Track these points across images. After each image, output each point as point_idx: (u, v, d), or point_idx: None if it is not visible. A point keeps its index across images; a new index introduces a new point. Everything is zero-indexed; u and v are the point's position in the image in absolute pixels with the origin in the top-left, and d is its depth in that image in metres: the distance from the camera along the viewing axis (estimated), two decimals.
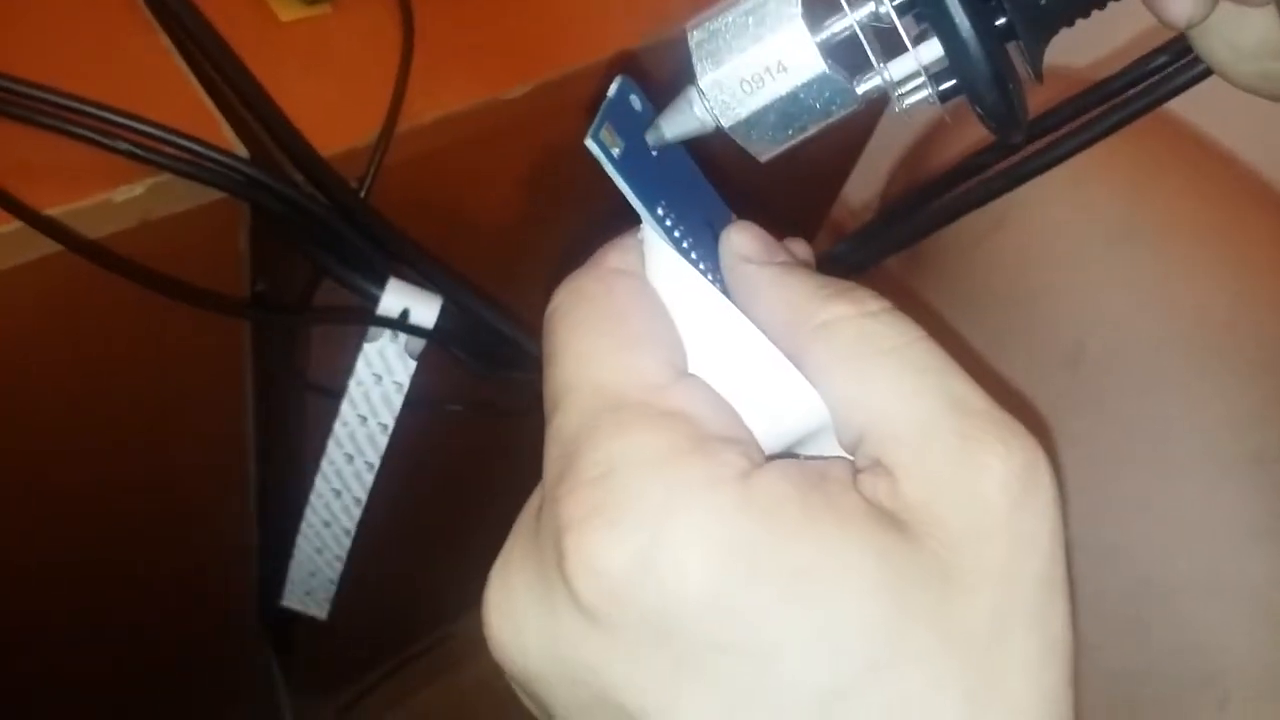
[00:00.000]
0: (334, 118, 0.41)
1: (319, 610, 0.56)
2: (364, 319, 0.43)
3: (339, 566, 0.52)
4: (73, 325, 0.41)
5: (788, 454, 0.23)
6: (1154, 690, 0.45)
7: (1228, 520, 0.44)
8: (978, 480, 0.20)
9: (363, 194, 0.42)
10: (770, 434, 0.23)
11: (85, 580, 0.55)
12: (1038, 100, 0.33)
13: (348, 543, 0.51)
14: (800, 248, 0.26)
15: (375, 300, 0.42)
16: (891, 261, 0.57)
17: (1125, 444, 0.46)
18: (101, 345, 0.43)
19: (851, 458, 0.22)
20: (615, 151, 0.23)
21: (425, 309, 0.43)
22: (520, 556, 0.22)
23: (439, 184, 0.47)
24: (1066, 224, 0.49)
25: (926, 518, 0.20)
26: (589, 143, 0.23)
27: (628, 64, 0.48)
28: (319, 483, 0.48)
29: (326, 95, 0.42)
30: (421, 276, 0.43)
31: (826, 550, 0.19)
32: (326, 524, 0.50)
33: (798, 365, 0.22)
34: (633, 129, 0.24)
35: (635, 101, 0.24)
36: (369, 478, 0.48)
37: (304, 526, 0.51)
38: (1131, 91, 0.32)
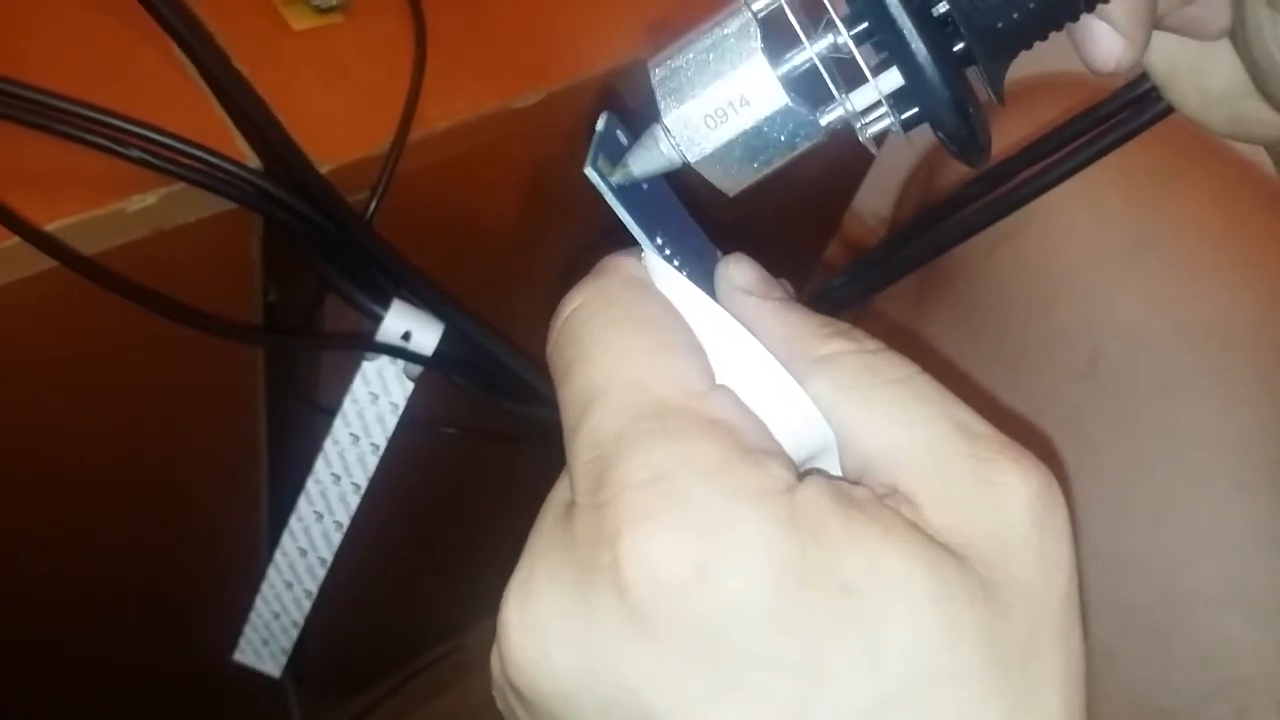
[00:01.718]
0: (347, 126, 0.42)
1: (273, 666, 0.54)
2: (365, 345, 0.43)
3: (306, 606, 0.50)
4: (79, 336, 0.41)
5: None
6: (1173, 700, 0.45)
7: (1246, 530, 0.44)
8: (1001, 500, 0.20)
9: (375, 202, 0.42)
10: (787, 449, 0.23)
11: (93, 589, 0.55)
12: (1077, 100, 0.33)
13: (322, 574, 0.49)
14: (786, 287, 0.26)
15: (379, 319, 0.42)
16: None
17: (1144, 452, 0.46)
18: (108, 358, 0.43)
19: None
20: (613, 181, 0.23)
21: (427, 333, 0.43)
22: (548, 567, 0.21)
23: (450, 191, 0.47)
24: (1082, 231, 0.48)
25: (957, 539, 0.20)
26: (588, 171, 0.23)
27: (637, 72, 0.48)
28: (301, 503, 0.47)
29: (339, 104, 0.42)
30: (424, 304, 0.43)
31: (875, 563, 0.19)
32: (303, 552, 0.49)
33: (805, 384, 0.22)
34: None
35: (620, 136, 0.24)
36: (354, 500, 0.47)
37: (278, 555, 0.49)
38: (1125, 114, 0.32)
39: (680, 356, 0.22)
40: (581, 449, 0.21)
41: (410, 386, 0.44)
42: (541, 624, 0.20)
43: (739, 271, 0.24)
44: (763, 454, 0.21)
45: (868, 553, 0.19)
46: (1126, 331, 0.47)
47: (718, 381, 0.23)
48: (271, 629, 0.52)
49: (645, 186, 0.24)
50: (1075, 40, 0.24)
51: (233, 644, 0.58)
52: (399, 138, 0.41)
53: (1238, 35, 0.24)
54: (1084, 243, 0.49)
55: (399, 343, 0.42)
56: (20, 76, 0.36)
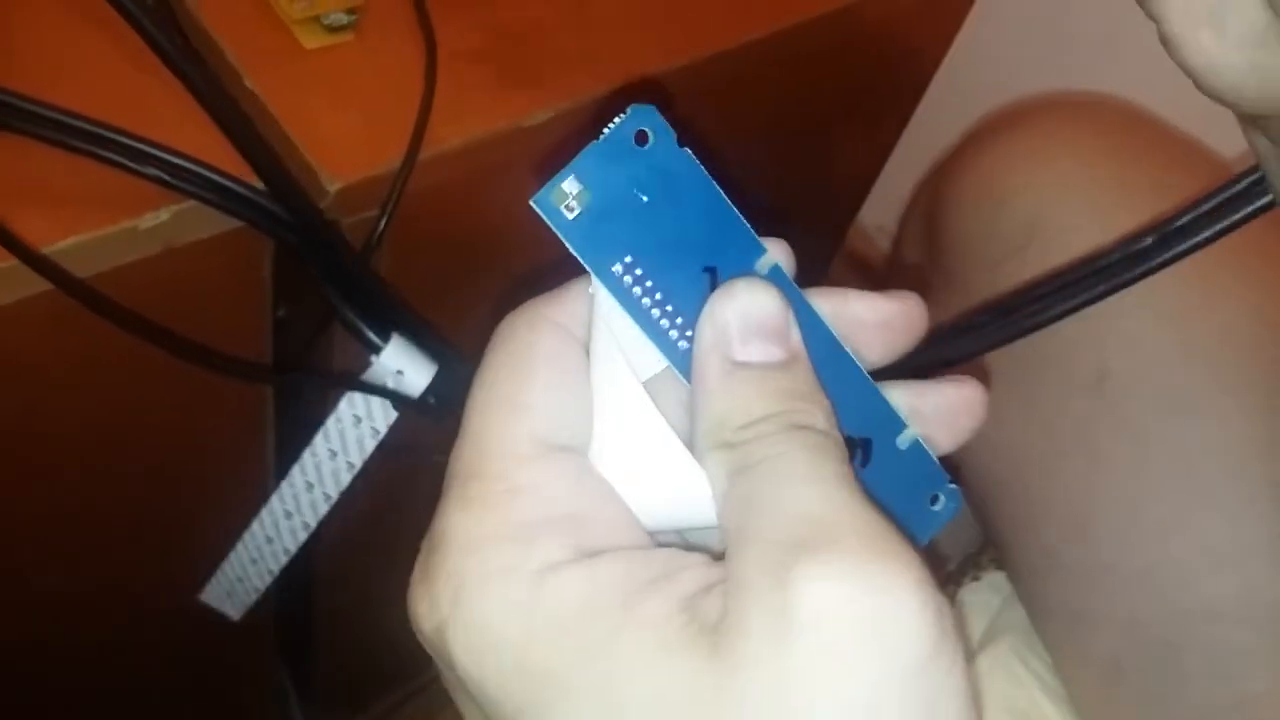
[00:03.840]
0: (358, 144, 0.42)
1: (234, 612, 0.56)
2: (349, 384, 0.43)
3: (268, 579, 0.53)
4: (82, 357, 0.42)
5: (675, 539, 0.24)
6: (1186, 714, 0.45)
7: (1256, 543, 0.44)
8: (793, 596, 0.19)
9: (385, 219, 0.42)
10: (660, 519, 0.23)
11: (98, 594, 0.55)
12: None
13: (284, 560, 0.51)
14: (778, 248, 0.25)
15: (378, 350, 0.43)
16: (912, 282, 0.57)
17: (1152, 466, 0.46)
18: (113, 378, 0.43)
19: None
20: (573, 208, 0.22)
21: (419, 373, 0.43)
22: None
23: (461, 209, 0.47)
24: (1088, 244, 0.49)
25: (733, 631, 0.19)
26: (533, 204, 0.22)
27: (650, 89, 0.48)
28: (274, 500, 0.48)
29: (350, 123, 0.42)
30: (419, 344, 0.44)
31: (588, 669, 0.19)
32: (269, 540, 0.50)
33: (701, 464, 0.22)
34: (624, 170, 0.22)
35: (650, 133, 0.22)
36: (324, 508, 0.48)
37: (246, 536, 0.51)
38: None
39: (526, 418, 0.23)
40: (445, 476, 0.23)
41: (394, 415, 0.45)
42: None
43: (708, 327, 0.23)
44: (544, 527, 0.21)
45: (586, 657, 0.20)
46: (1133, 345, 0.47)
47: (604, 434, 0.23)
48: (234, 587, 0.55)
49: (645, 198, 0.23)
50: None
51: (237, 651, 0.59)
52: (410, 155, 0.42)
53: None
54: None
55: (393, 376, 0.43)
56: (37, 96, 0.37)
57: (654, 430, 0.23)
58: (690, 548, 0.23)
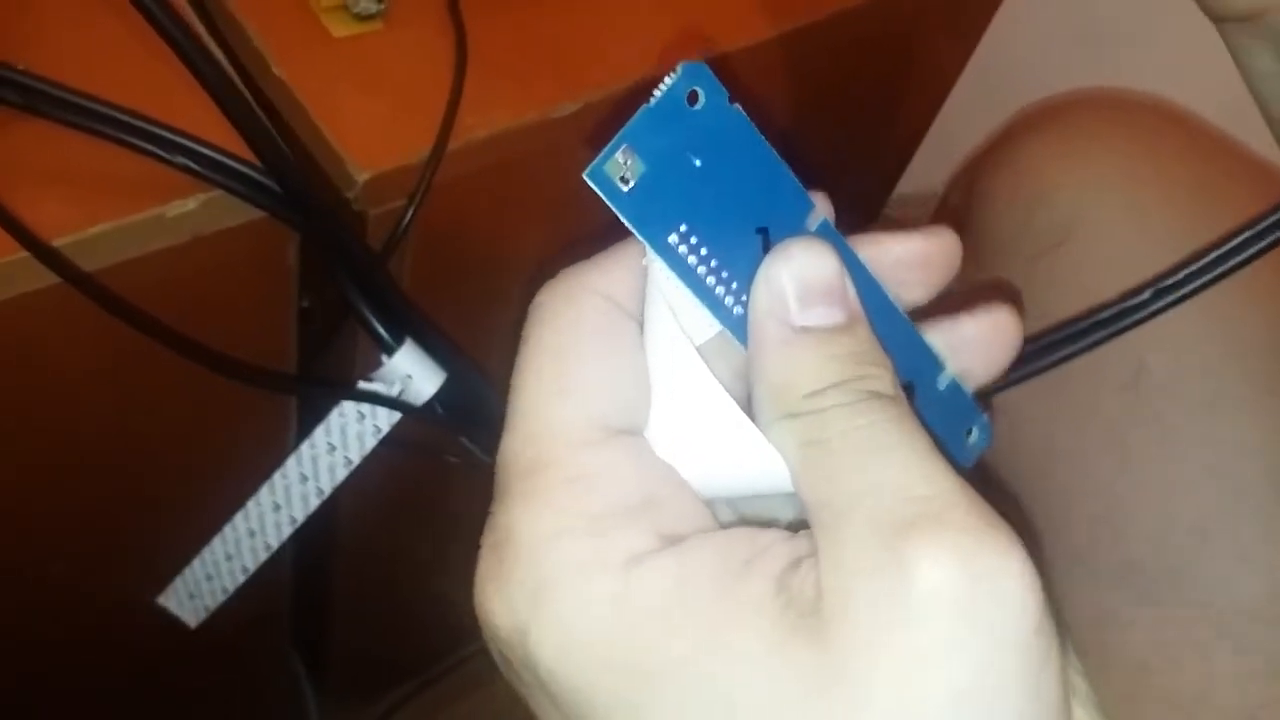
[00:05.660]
0: (385, 135, 0.41)
1: (191, 618, 0.55)
2: (356, 395, 0.43)
3: (241, 579, 0.51)
4: (97, 350, 0.41)
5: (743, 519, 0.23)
6: (1214, 715, 0.44)
7: None
8: (907, 580, 0.18)
9: (412, 210, 0.42)
10: (717, 488, 0.23)
11: (110, 593, 0.55)
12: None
13: (263, 557, 0.50)
14: (821, 200, 0.24)
15: (392, 351, 0.43)
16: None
17: (1186, 464, 0.45)
18: (129, 375, 0.43)
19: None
20: (627, 179, 0.21)
21: (427, 380, 0.43)
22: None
23: (488, 200, 0.47)
24: (1127, 242, 0.48)
25: (839, 615, 0.18)
26: (586, 178, 0.21)
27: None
28: (263, 490, 0.47)
29: (378, 112, 0.42)
30: (430, 351, 0.44)
31: (691, 664, 0.19)
32: (252, 533, 0.49)
33: (765, 433, 0.22)
34: (677, 133, 0.21)
35: (701, 94, 0.21)
36: (315, 502, 0.47)
37: (227, 529, 0.49)
38: None
39: (579, 401, 0.22)
40: (497, 468, 0.22)
41: (397, 416, 0.44)
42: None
43: (765, 292, 0.22)
44: (618, 518, 0.20)
45: (688, 648, 0.19)
46: (1171, 342, 0.46)
47: (655, 414, 0.22)
48: (201, 587, 0.53)
49: (698, 162, 0.22)
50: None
51: (251, 639, 0.59)
52: (438, 146, 0.41)
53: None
54: (1127, 257, 0.48)
55: (402, 379, 0.43)
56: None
57: (714, 399, 0.22)
58: (744, 518, 0.22)
